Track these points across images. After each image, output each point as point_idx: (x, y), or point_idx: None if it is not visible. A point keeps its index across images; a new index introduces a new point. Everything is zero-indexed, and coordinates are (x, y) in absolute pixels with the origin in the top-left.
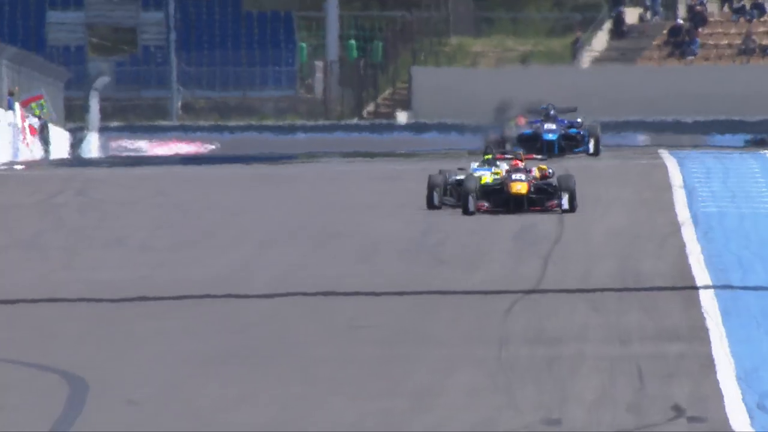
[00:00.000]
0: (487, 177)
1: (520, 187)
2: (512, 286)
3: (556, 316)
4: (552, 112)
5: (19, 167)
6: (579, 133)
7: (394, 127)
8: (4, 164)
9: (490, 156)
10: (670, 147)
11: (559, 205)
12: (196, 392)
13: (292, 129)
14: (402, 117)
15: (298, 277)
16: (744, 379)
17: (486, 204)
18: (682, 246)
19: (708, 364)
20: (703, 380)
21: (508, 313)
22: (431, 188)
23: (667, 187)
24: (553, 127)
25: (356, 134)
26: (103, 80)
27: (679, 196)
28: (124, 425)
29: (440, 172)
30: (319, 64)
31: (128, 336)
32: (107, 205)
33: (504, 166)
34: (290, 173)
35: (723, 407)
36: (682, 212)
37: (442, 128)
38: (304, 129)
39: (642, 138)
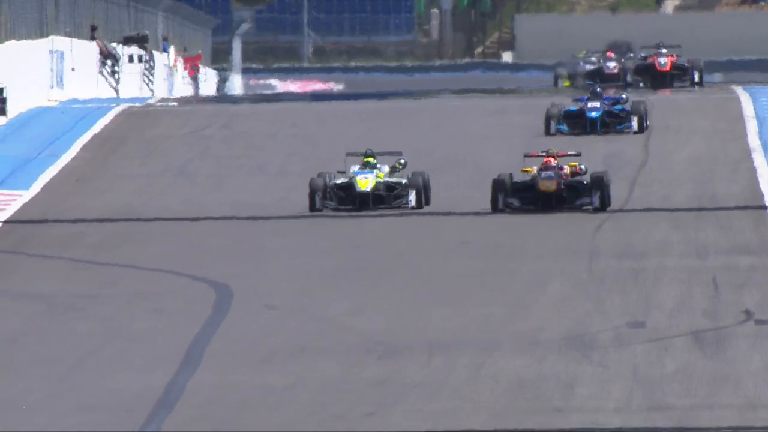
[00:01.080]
0: (368, 180)
1: (549, 185)
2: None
3: (640, 233)
4: (598, 90)
5: (172, 103)
6: (623, 110)
7: (500, 67)
8: (159, 100)
9: (370, 159)
10: (744, 83)
11: (591, 203)
12: (323, 300)
13: (410, 69)
14: (507, 57)
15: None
16: None
17: (515, 202)
18: (753, 170)
19: None
20: None
21: (597, 230)
22: (313, 192)
23: (741, 119)
24: (597, 105)
25: (467, 73)
26: (244, 27)
27: (751, 126)
28: (264, 326)
29: (319, 175)
30: (434, 12)
31: (266, 250)
32: (248, 136)
33: (385, 168)
34: (410, 108)
35: None
36: (754, 140)
37: (541, 67)
38: (422, 69)
39: (719, 76)
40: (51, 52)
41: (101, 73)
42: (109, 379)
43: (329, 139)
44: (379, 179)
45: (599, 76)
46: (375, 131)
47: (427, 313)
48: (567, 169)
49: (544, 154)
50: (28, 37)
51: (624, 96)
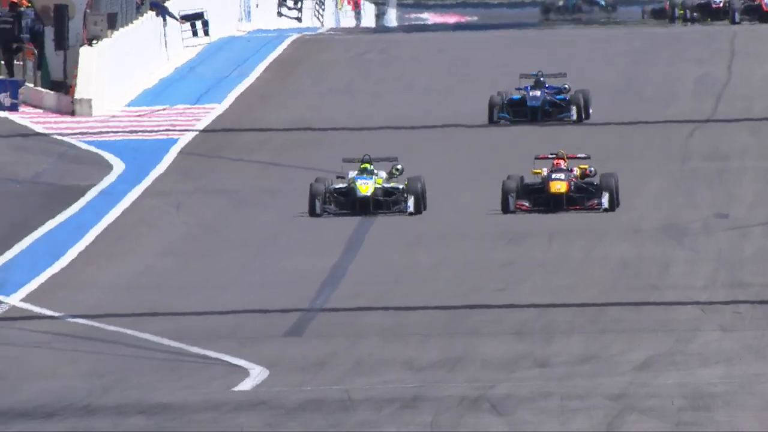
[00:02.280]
0: (368, 185)
1: (559, 186)
2: (694, 117)
3: (725, 139)
4: (542, 79)
5: (338, 33)
6: (564, 99)
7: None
8: (328, 30)
9: (367, 165)
10: None
11: (600, 204)
12: (465, 198)
13: (533, 4)
14: None
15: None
16: None
17: (526, 203)
18: None
19: None
20: None
21: (690, 137)
22: (313, 197)
23: None
24: (538, 94)
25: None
26: None
27: None
28: (415, 217)
29: (317, 180)
30: None
31: (419, 153)
32: (402, 60)
33: (383, 174)
34: (536, 37)
35: None
36: None
37: (635, 2)
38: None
39: None
40: None
41: (280, 7)
42: (286, 261)
43: (471, 62)
44: (377, 185)
45: (707, 9)
46: (517, 56)
47: None
48: (577, 171)
49: (554, 156)
50: None
51: (567, 86)
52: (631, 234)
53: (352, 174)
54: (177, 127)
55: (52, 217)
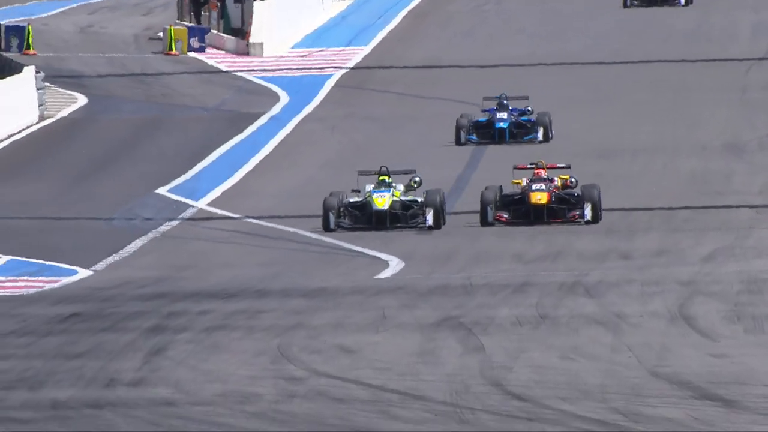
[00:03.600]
0: (385, 198)
1: (540, 197)
2: (750, 56)
3: None
4: (505, 101)
5: None
6: (530, 120)
7: None
8: None
9: (385, 177)
10: None
11: (582, 215)
12: (561, 119)
13: None
14: None
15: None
16: None
17: (505, 215)
18: None
19: None
20: None
21: (747, 72)
22: (327, 211)
23: None
24: (505, 116)
25: None
26: None
27: None
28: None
29: (331, 194)
30: None
31: (529, 88)
32: (512, 11)
33: (400, 187)
34: None
35: None
36: None
37: None
38: None
39: None
40: None
41: None
42: (419, 172)
43: (563, 12)
44: (395, 198)
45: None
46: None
47: (631, 128)
48: (558, 182)
49: (533, 166)
50: None
51: (530, 108)
52: (700, 150)
53: (369, 187)
54: (332, 65)
55: (232, 138)
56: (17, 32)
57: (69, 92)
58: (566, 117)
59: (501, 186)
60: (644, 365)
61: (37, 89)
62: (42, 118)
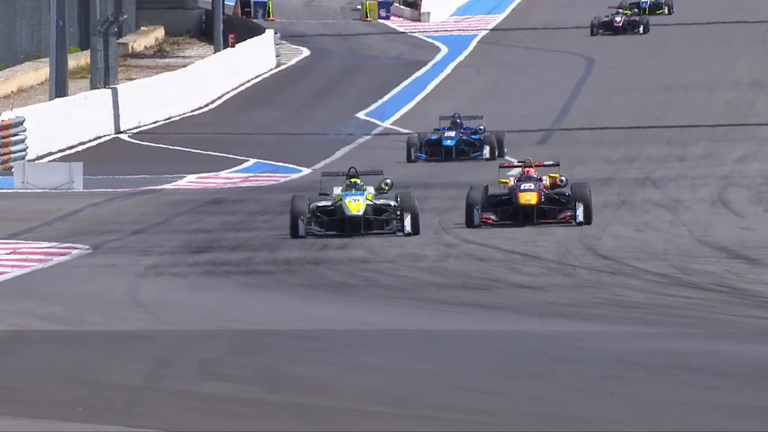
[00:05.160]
0: (359, 203)
1: (529, 198)
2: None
3: None
4: (458, 120)
5: None
6: (479, 139)
7: None
8: None
9: (356, 180)
10: None
11: (574, 216)
12: (641, 72)
13: None
14: None
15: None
16: None
17: (492, 217)
18: None
19: None
20: None
21: (765, 31)
22: (295, 217)
23: None
24: (453, 134)
25: None
26: None
27: None
28: (613, 83)
29: (296, 198)
30: None
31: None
32: None
33: (371, 189)
34: None
35: None
36: None
37: None
38: None
39: None
40: None
41: None
42: (529, 100)
43: None
44: (368, 201)
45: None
46: None
47: (685, 70)
48: (547, 181)
49: (521, 164)
50: None
51: (482, 127)
52: (732, 86)
53: (338, 190)
54: (477, 28)
55: (408, 78)
56: (261, 5)
57: (297, 47)
58: (645, 63)
59: (487, 186)
60: (693, 235)
61: (275, 45)
62: (278, 65)
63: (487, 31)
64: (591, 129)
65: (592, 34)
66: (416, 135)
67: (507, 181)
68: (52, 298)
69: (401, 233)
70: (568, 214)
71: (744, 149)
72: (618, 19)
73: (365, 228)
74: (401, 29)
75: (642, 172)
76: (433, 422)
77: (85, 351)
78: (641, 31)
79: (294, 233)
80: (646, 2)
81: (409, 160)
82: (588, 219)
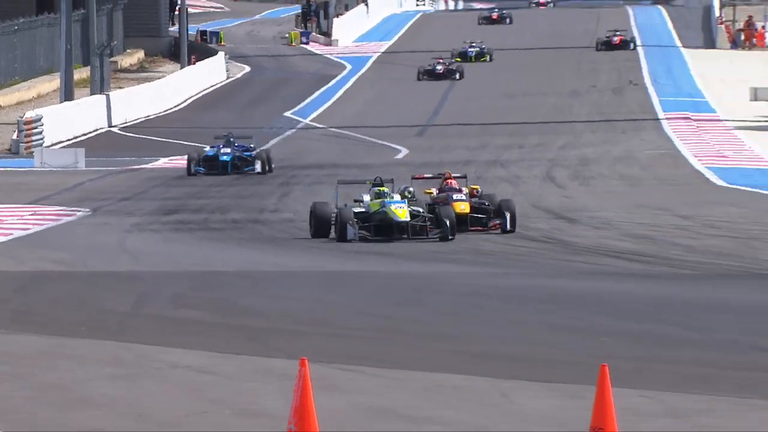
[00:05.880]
0: (405, 210)
1: (463, 207)
2: (581, 45)
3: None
4: (231, 139)
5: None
6: (251, 155)
7: None
8: (433, 11)
9: (383, 188)
10: None
11: (504, 225)
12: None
13: None
14: None
15: None
16: None
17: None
18: None
19: None
20: None
21: (579, 54)
22: (344, 223)
23: None
24: (228, 150)
25: None
26: None
27: None
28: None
29: (332, 204)
30: None
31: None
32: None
33: (396, 196)
34: None
35: None
36: None
37: None
38: None
39: None
40: None
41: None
42: (410, 105)
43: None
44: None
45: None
46: None
47: (523, 81)
48: (466, 190)
49: (432, 176)
50: None
51: (252, 145)
52: (556, 94)
53: (367, 197)
54: (373, 51)
55: (322, 87)
56: (215, 34)
57: (240, 65)
58: (489, 69)
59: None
60: (529, 202)
61: (225, 63)
62: (227, 77)
63: (380, 53)
64: (455, 125)
65: (418, 79)
66: (195, 151)
67: (431, 191)
68: (63, 248)
69: (451, 237)
70: (498, 222)
71: (565, 140)
72: (439, 67)
73: (408, 233)
74: (317, 52)
75: (492, 156)
76: (341, 338)
77: (86, 286)
78: (458, 78)
79: (342, 238)
80: (472, 52)
81: (189, 173)
82: (513, 227)
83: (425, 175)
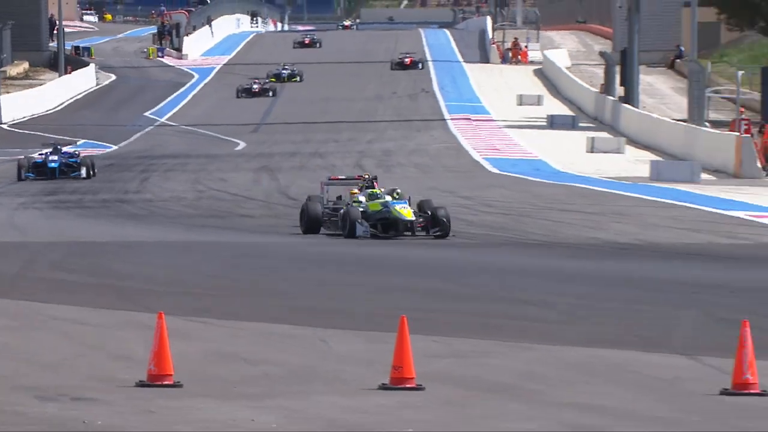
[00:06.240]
0: (409, 209)
1: (407, 212)
2: (383, 60)
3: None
4: (59, 147)
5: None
6: (77, 161)
7: None
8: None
9: (376, 190)
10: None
11: (444, 230)
12: None
13: None
14: None
15: None
16: None
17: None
18: None
19: None
20: None
21: (382, 68)
22: (353, 221)
23: None
24: (56, 157)
25: None
26: None
27: None
28: None
29: (343, 201)
30: None
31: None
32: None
33: (387, 197)
34: None
35: None
36: None
37: None
38: None
39: None
40: None
41: (252, 22)
42: (247, 107)
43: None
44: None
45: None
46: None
47: (337, 89)
48: (393, 195)
49: (345, 178)
50: None
51: (77, 152)
52: (360, 100)
53: (363, 197)
54: (215, 63)
55: (175, 92)
56: (87, 49)
57: (108, 74)
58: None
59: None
60: None
61: (96, 72)
62: (97, 84)
63: (221, 65)
64: (283, 124)
65: (237, 97)
66: (24, 158)
67: (356, 192)
68: None
69: (453, 234)
70: (437, 230)
71: (371, 136)
72: (255, 86)
73: (413, 231)
74: (171, 63)
75: (313, 149)
76: (193, 296)
77: None
78: (271, 95)
79: (352, 234)
80: (285, 74)
81: (19, 179)
82: (448, 232)
83: (339, 177)
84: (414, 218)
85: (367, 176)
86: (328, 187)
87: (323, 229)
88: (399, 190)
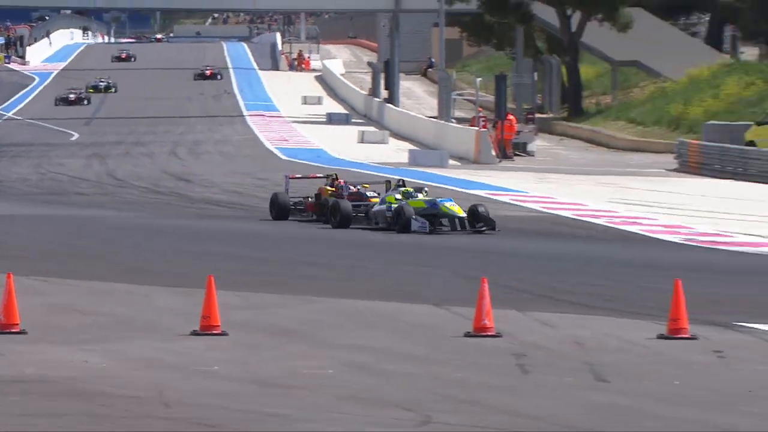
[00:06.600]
0: (458, 206)
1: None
2: (191, 67)
3: None
4: None
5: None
6: None
7: None
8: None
9: (408, 189)
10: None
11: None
12: None
13: None
14: None
15: None
16: None
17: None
18: None
19: None
20: None
21: (191, 76)
22: (408, 217)
23: None
24: None
25: None
26: None
27: None
28: None
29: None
30: None
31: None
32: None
33: (420, 195)
34: None
35: None
36: None
37: None
38: None
39: None
40: None
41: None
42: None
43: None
44: None
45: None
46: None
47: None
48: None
49: (302, 176)
50: None
51: None
52: (176, 99)
53: (399, 195)
54: (54, 68)
55: (20, 91)
56: None
57: None
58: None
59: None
60: (158, 168)
61: None
62: None
63: (58, 71)
64: (112, 118)
65: (55, 105)
66: None
67: (328, 189)
68: None
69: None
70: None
71: (183, 129)
72: (72, 96)
73: (466, 226)
74: (16, 68)
75: (136, 139)
76: (37, 260)
77: None
78: (86, 103)
79: (406, 230)
80: (102, 86)
81: None
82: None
83: (297, 176)
84: (464, 214)
85: (333, 175)
86: (290, 181)
87: (291, 216)
88: (426, 189)
